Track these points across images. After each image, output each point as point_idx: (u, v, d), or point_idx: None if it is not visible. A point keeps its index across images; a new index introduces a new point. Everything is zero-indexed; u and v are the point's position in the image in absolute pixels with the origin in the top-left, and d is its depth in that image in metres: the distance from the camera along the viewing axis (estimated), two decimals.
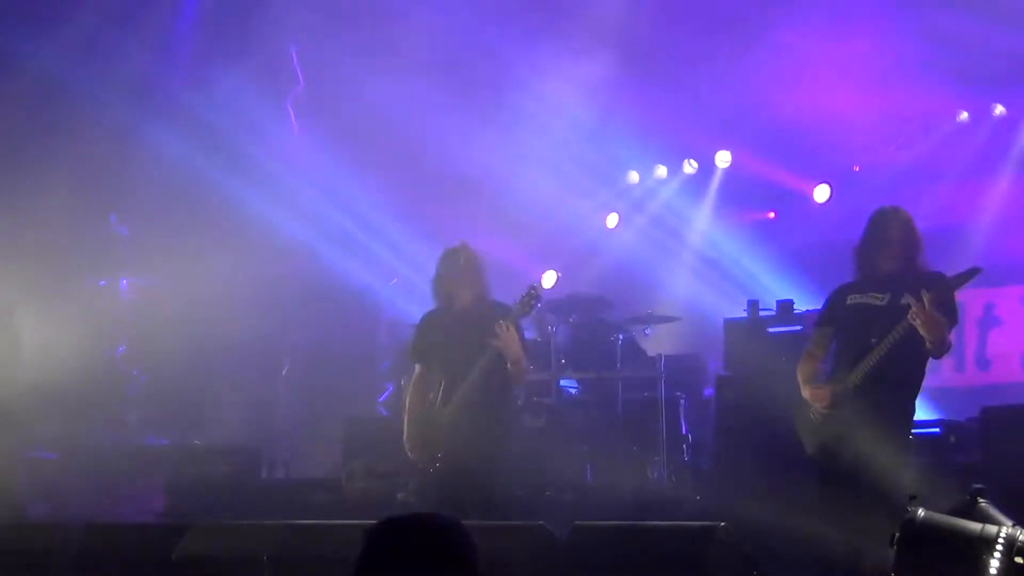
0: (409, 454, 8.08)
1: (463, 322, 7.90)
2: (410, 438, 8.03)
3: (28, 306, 12.09)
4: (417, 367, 8.23)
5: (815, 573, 7.38)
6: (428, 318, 8.25)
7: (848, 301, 7.55)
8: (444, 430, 7.80)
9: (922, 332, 7.05)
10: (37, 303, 12.09)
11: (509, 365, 7.77)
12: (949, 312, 7.26)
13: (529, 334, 9.55)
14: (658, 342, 12.30)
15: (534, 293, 7.82)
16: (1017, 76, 12.46)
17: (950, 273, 7.32)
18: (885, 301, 7.33)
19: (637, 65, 13.29)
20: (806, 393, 7.49)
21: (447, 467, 7.83)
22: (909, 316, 7.08)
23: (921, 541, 5.45)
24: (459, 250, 8.05)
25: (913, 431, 8.57)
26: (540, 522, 6.58)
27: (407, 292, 13.69)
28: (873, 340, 7.22)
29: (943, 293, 7.12)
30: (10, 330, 10.74)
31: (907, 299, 7.11)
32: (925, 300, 7.02)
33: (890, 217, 7.57)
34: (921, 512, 5.51)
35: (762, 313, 11.18)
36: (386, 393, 13.00)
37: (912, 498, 5.63)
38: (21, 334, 10.84)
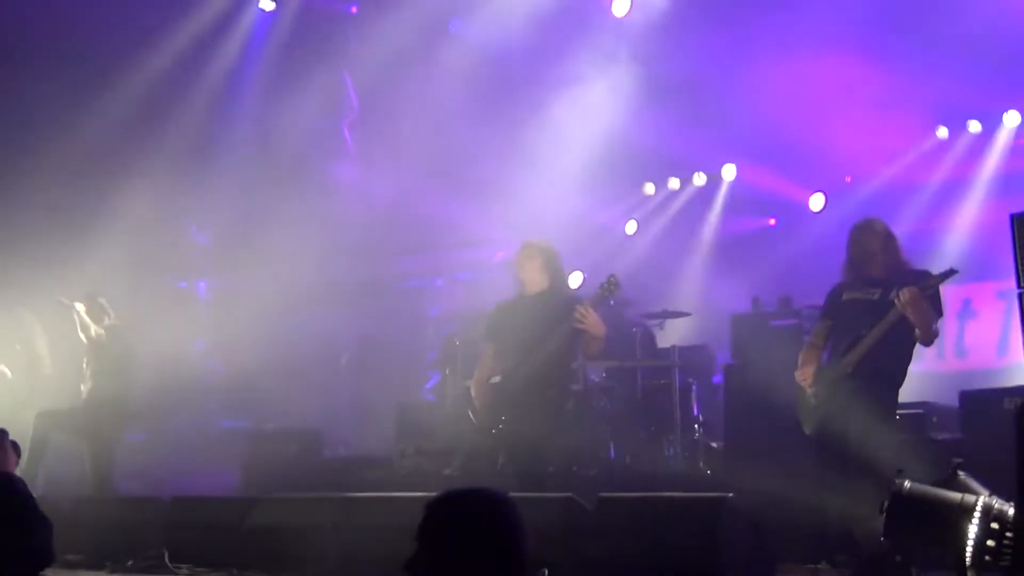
0: (473, 418, 7.96)
1: (535, 307, 7.81)
2: (478, 401, 7.92)
3: (119, 305, 12.20)
4: (489, 345, 8.11)
5: (813, 538, 7.35)
6: (504, 303, 8.14)
7: (844, 296, 7.52)
8: (510, 399, 7.71)
9: (911, 318, 7.04)
10: (128, 302, 12.18)
11: (590, 338, 7.72)
12: (935, 304, 7.23)
13: None
14: (672, 335, 12.27)
15: (614, 281, 7.72)
16: (988, 98, 12.40)
17: (934, 272, 7.31)
18: (877, 296, 7.30)
19: (652, 88, 13.26)
20: (797, 374, 7.50)
21: (508, 430, 7.73)
22: (898, 303, 7.08)
23: (907, 509, 5.44)
24: (534, 243, 8.00)
25: (899, 412, 8.59)
26: (570, 494, 6.59)
27: (450, 292, 13.74)
28: (864, 331, 7.21)
29: (928, 287, 7.09)
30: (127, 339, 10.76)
31: (896, 294, 7.07)
32: (917, 289, 7.04)
33: (866, 231, 7.56)
34: (907, 484, 5.50)
35: (764, 308, 11.14)
36: (432, 381, 13.02)
37: (899, 471, 5.63)
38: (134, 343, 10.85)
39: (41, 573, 4.40)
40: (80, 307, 10.53)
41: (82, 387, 10.57)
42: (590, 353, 8.14)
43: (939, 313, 7.31)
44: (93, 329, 10.47)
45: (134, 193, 12.85)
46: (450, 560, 3.34)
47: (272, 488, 10.18)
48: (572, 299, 7.84)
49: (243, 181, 14.14)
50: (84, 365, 10.56)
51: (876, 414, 7.01)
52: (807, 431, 7.45)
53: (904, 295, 7.02)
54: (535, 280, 7.91)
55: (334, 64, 15.03)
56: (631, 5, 13.35)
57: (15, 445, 4.60)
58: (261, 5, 14.60)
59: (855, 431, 7.00)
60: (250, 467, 11.71)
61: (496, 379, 7.87)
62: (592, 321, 7.56)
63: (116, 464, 10.43)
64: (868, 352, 7.20)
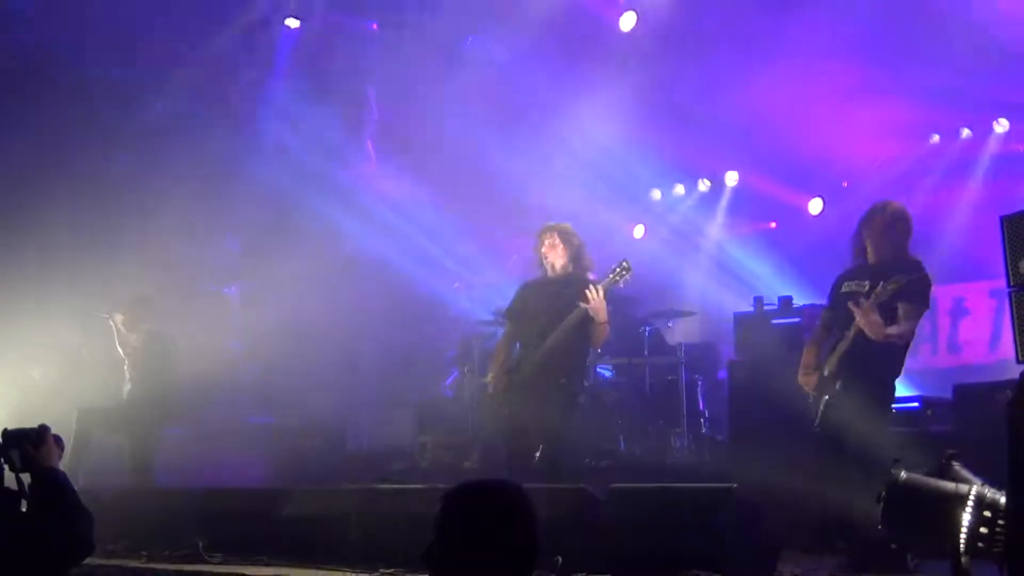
0: (491, 391, 7.92)
1: (554, 288, 7.78)
2: (496, 377, 7.87)
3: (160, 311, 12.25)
4: (508, 324, 8.10)
5: (813, 525, 7.32)
6: (526, 284, 8.10)
7: (843, 288, 7.37)
8: (523, 382, 7.64)
9: (866, 331, 6.91)
10: (166, 306, 12.21)
11: (594, 324, 7.60)
12: (917, 298, 7.04)
13: None
14: (678, 333, 12.29)
15: (626, 265, 7.64)
16: (975, 104, 12.37)
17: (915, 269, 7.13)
18: (866, 288, 7.09)
19: (657, 98, 13.25)
20: (799, 379, 7.39)
21: (516, 412, 7.66)
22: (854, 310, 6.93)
23: (904, 498, 5.42)
24: (553, 227, 7.92)
25: (895, 406, 8.52)
26: (582, 485, 6.59)
27: (467, 293, 13.73)
28: (847, 330, 7.07)
29: (910, 283, 6.87)
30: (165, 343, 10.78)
31: (881, 288, 6.86)
32: (876, 294, 6.84)
33: (878, 210, 7.35)
34: (903, 474, 5.48)
35: (766, 307, 11.11)
36: (451, 378, 13.00)
37: (895, 462, 5.60)
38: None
39: (83, 562, 4.41)
40: (118, 318, 10.54)
41: (124, 388, 10.60)
42: (593, 342, 7.94)
43: (924, 306, 7.14)
44: (132, 339, 10.47)
45: (170, 203, 12.88)
46: (465, 550, 3.32)
47: (298, 480, 10.23)
48: (588, 284, 7.71)
49: (271, 191, 14.15)
50: (125, 367, 10.58)
51: (863, 408, 6.93)
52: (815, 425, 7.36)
53: (861, 317, 6.87)
54: (557, 262, 7.84)
55: (356, 79, 15.05)
56: (637, 20, 13.34)
57: (58, 439, 4.59)
58: (287, 23, 14.61)
59: (845, 425, 6.93)
60: (278, 460, 11.73)
61: (513, 362, 7.82)
62: (598, 303, 7.46)
63: (154, 459, 10.45)
64: (847, 350, 7.08)
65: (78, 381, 11.50)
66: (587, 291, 7.48)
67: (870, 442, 6.69)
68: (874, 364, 7.11)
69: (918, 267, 7.16)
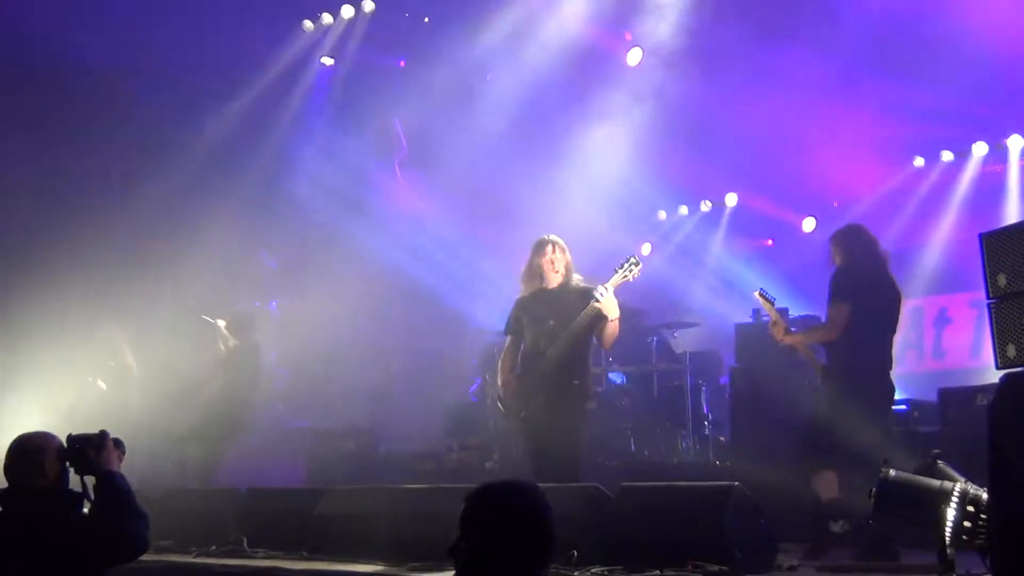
0: (501, 407, 7.69)
1: (553, 299, 7.46)
2: (504, 391, 7.63)
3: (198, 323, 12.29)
4: (508, 338, 7.75)
5: (808, 521, 7.30)
6: (522, 299, 7.70)
7: None
8: (534, 386, 7.39)
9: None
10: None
11: (606, 323, 7.21)
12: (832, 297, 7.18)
13: None
14: (684, 342, 12.26)
15: (634, 260, 7.22)
16: (955, 129, 12.35)
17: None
18: None
19: (663, 127, 13.26)
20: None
21: (529, 421, 7.45)
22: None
23: (893, 495, 5.40)
24: (547, 240, 7.59)
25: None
26: (595, 484, 6.57)
27: (488, 305, 13.72)
28: None
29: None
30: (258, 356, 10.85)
31: None
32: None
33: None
34: (892, 472, 5.46)
35: (764, 318, 11.08)
36: (475, 385, 13.00)
37: (885, 460, 5.59)
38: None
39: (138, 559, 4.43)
40: (221, 323, 10.63)
41: (209, 392, 10.65)
42: (605, 339, 7.41)
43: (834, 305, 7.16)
44: (231, 346, 10.54)
45: (214, 224, 12.95)
46: (488, 545, 3.33)
47: (333, 480, 10.23)
48: (587, 287, 7.40)
49: (307, 213, 14.23)
50: (216, 373, 10.63)
51: (852, 410, 6.93)
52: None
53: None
54: (557, 273, 7.53)
55: (386, 110, 15.11)
56: (643, 55, 13.36)
57: (118, 442, 4.59)
58: (322, 61, 14.73)
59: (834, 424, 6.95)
60: (314, 461, 11.75)
61: (519, 370, 7.56)
62: (609, 301, 7.11)
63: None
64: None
65: (129, 389, 11.54)
66: (595, 290, 7.15)
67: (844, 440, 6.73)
68: (846, 364, 7.23)
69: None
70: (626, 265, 7.23)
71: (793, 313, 10.56)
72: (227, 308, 11.02)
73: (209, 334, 10.65)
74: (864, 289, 7.15)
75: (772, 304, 7.66)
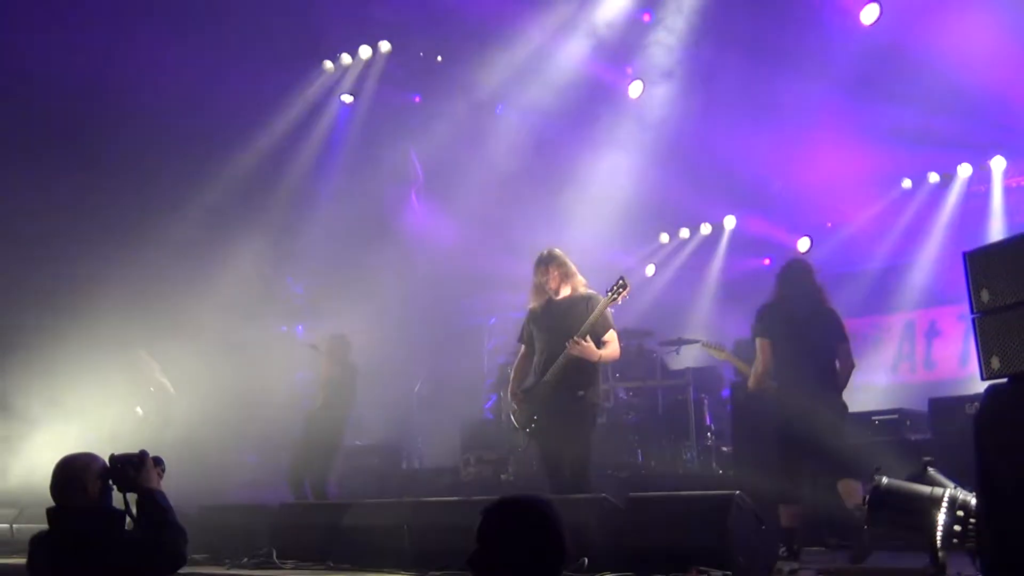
0: (513, 419, 7.63)
1: (559, 312, 7.42)
2: (513, 394, 7.58)
3: (230, 348, 12.37)
4: (522, 348, 7.72)
5: (806, 528, 7.30)
6: (533, 311, 7.66)
7: None
8: (540, 399, 7.36)
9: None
10: (242, 345, 12.35)
11: (603, 345, 7.23)
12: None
13: None
14: (687, 358, 12.25)
15: (622, 283, 7.17)
16: (942, 151, 12.38)
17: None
18: None
19: (664, 154, 13.30)
20: None
21: (540, 431, 7.41)
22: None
23: (885, 501, 5.42)
24: (545, 257, 7.55)
25: (878, 418, 8.62)
26: (604, 495, 6.58)
27: (503, 327, 13.76)
28: None
29: None
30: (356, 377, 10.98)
31: None
32: None
33: None
34: (885, 479, 5.48)
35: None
36: (490, 402, 13.01)
37: (877, 468, 5.60)
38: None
39: (176, 573, 4.47)
40: (323, 348, 10.84)
41: (313, 409, 10.80)
42: (603, 359, 7.42)
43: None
44: (332, 369, 10.70)
45: (243, 253, 13.03)
46: (504, 555, 3.38)
47: (359, 494, 10.25)
48: (591, 294, 7.44)
49: (330, 241, 14.30)
50: (318, 391, 10.82)
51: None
52: None
53: None
54: (560, 288, 7.50)
55: (402, 142, 15.23)
56: (643, 88, 13.43)
57: (159, 461, 4.63)
58: (343, 99, 14.85)
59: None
60: (341, 476, 11.76)
61: (530, 381, 7.50)
62: (583, 348, 7.15)
63: (230, 477, 10.52)
64: None
65: (169, 409, 11.60)
66: (568, 342, 7.16)
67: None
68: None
69: None
70: (615, 287, 7.21)
71: None
72: (324, 335, 11.14)
73: (297, 357, 10.72)
74: (782, 321, 7.52)
75: (721, 349, 7.88)
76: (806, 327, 7.42)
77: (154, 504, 4.43)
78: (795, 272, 7.72)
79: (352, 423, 11.05)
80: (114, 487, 4.52)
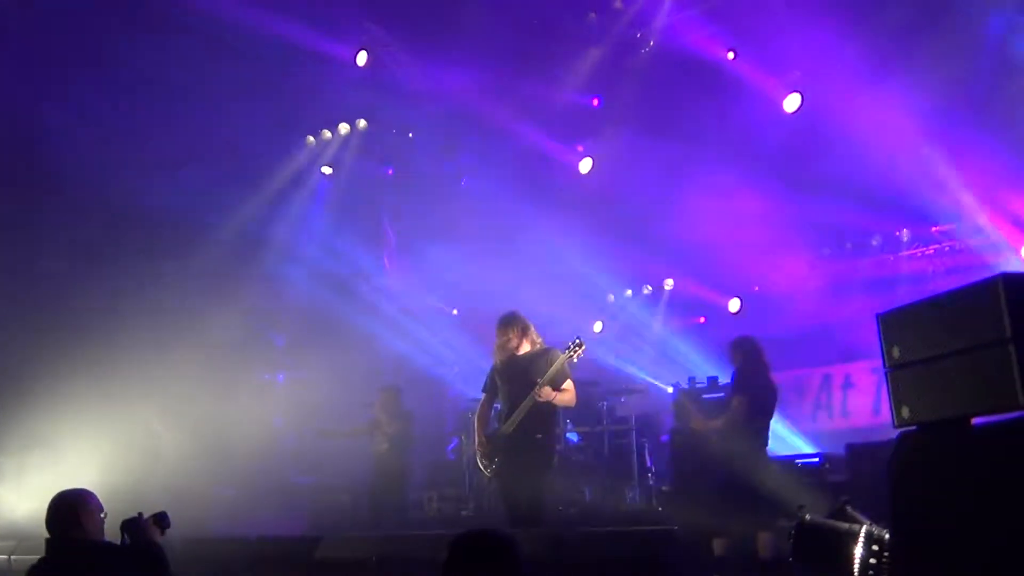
0: (479, 463, 7.69)
1: (520, 365, 7.53)
2: (479, 446, 7.65)
3: (216, 393, 12.20)
4: (484, 396, 7.84)
5: (738, 559, 7.27)
6: (496, 364, 7.75)
7: None
8: (502, 442, 7.44)
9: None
10: (222, 391, 12.19)
11: (557, 395, 7.36)
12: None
13: None
14: (630, 406, 12.23)
15: (578, 342, 7.39)
16: (858, 224, 12.58)
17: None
18: None
19: (611, 223, 13.44)
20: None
21: (501, 470, 7.48)
22: None
23: (808, 536, 5.41)
24: (505, 321, 7.68)
25: (801, 461, 8.66)
26: (555, 530, 6.53)
27: (464, 377, 13.67)
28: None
29: None
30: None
31: None
32: None
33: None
34: (807, 516, 5.47)
35: (698, 385, 11.14)
36: (452, 444, 12.92)
37: (800, 507, 5.60)
38: None
39: None
40: (378, 403, 11.07)
41: (380, 451, 10.91)
42: (560, 405, 7.62)
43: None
44: (386, 420, 10.91)
45: (231, 310, 12.93)
46: None
47: (331, 528, 10.08)
48: (550, 352, 7.55)
49: (308, 298, 14.23)
50: (380, 438, 10.93)
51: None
52: None
53: None
54: (521, 347, 7.62)
55: (375, 210, 15.25)
56: (592, 165, 13.58)
57: (162, 517, 4.66)
58: (322, 171, 14.88)
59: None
60: (314, 512, 11.59)
61: (493, 427, 7.61)
62: (545, 393, 7.30)
63: (209, 510, 10.32)
64: None
65: (159, 451, 11.43)
66: (535, 391, 7.28)
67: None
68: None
69: None
70: (571, 346, 7.44)
71: (722, 381, 10.60)
72: (380, 387, 11.34)
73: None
74: (757, 385, 7.85)
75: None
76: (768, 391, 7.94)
77: (150, 555, 4.46)
78: (756, 347, 8.13)
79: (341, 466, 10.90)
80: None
